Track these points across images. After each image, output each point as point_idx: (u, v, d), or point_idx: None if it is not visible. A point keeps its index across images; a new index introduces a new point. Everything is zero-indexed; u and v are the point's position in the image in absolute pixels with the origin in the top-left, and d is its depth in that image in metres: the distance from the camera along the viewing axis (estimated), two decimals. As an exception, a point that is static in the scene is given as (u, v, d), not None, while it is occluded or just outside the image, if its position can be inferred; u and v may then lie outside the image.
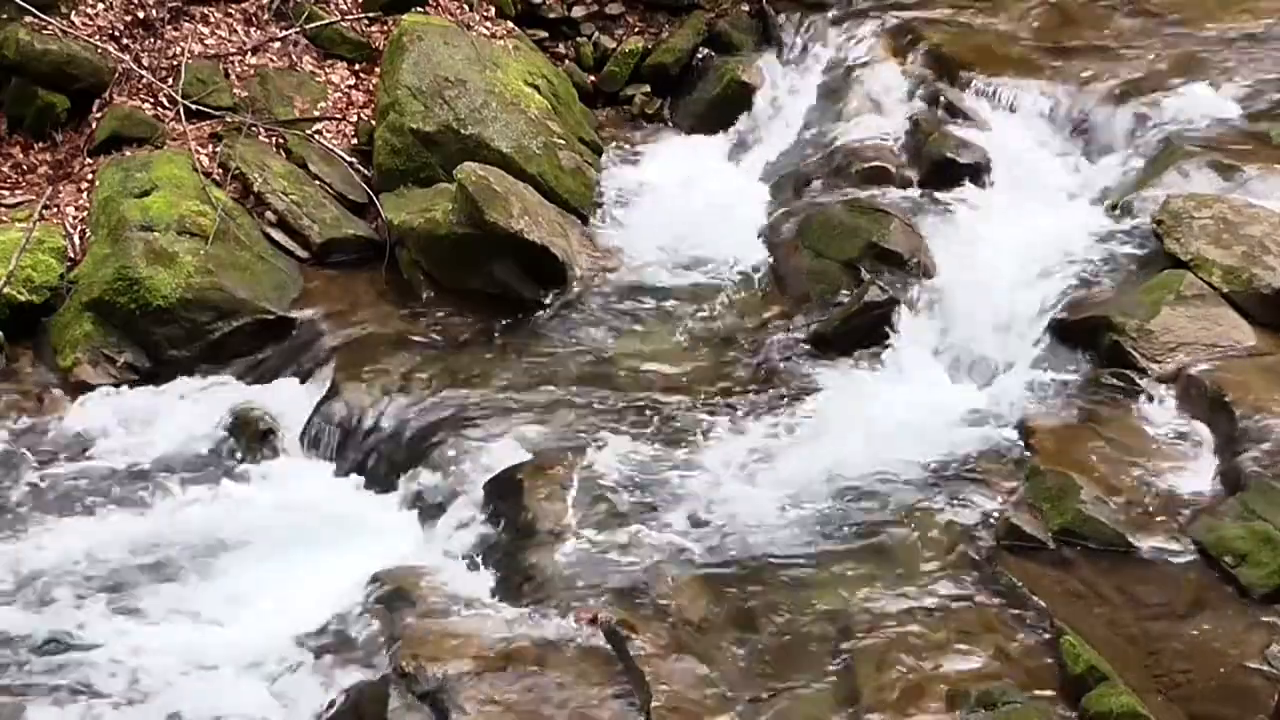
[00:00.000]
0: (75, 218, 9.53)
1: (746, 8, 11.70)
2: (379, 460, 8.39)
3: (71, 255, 9.32)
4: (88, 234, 9.38)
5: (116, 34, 10.29)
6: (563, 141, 10.30)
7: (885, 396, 8.52)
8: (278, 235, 9.57)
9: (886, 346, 8.88)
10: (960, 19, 11.15)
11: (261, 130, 10.11)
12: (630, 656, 6.71)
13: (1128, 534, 7.24)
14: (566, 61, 11.50)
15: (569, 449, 8.10)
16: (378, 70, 10.61)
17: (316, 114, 10.38)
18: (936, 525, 7.45)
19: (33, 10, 9.90)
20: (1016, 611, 6.88)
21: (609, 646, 6.82)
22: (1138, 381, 8.15)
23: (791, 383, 8.73)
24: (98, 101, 10.05)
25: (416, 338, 9.12)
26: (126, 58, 10.12)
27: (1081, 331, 8.54)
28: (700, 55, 11.55)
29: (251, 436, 8.54)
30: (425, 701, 6.53)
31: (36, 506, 8.03)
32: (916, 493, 7.71)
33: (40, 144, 9.97)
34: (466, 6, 11.16)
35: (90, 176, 9.72)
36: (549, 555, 7.41)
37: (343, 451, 8.50)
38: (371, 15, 10.97)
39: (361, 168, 10.07)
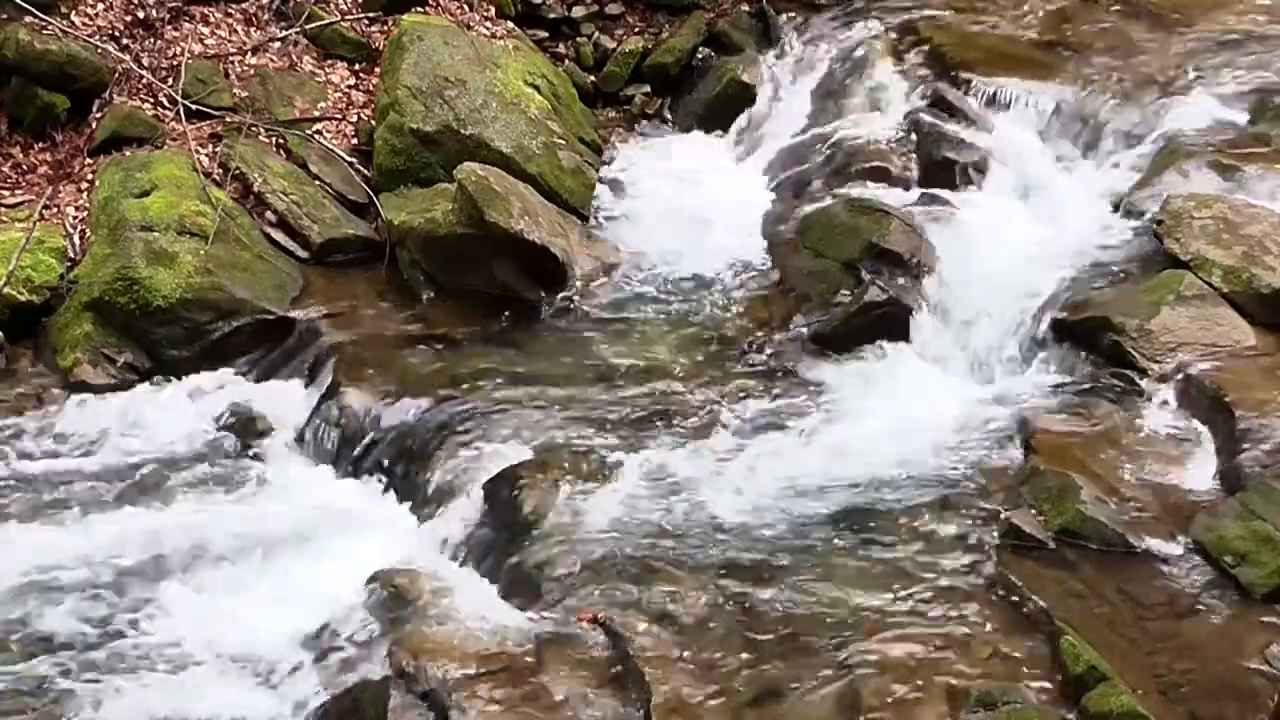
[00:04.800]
0: (75, 218, 9.52)
1: (746, 8, 11.71)
2: (379, 460, 8.38)
3: (71, 255, 9.31)
4: (88, 234, 9.37)
5: (116, 34, 10.29)
6: (563, 141, 10.30)
7: (885, 397, 8.51)
8: (278, 235, 9.56)
9: (886, 346, 8.89)
10: (960, 19, 11.16)
11: (261, 130, 10.10)
12: (630, 656, 6.70)
13: (1128, 534, 7.24)
14: (566, 61, 11.51)
15: (569, 449, 8.10)
16: (378, 70, 10.61)
17: (316, 114, 10.38)
18: (937, 525, 7.45)
19: (33, 10, 9.90)
20: (1016, 611, 6.87)
21: (609, 646, 6.82)
22: (1138, 381, 8.16)
23: (791, 383, 8.73)
24: (98, 101, 10.05)
25: (416, 338, 9.11)
26: (126, 58, 10.11)
27: (1081, 331, 8.55)
28: (700, 55, 11.56)
29: (251, 436, 8.54)
30: (425, 701, 6.53)
31: (36, 507, 8.01)
32: (916, 493, 7.71)
33: (40, 144, 9.96)
34: (466, 6, 11.16)
35: (90, 176, 9.72)
36: (548, 555, 7.40)
37: (342, 451, 8.49)
38: (371, 15, 10.97)
39: (361, 168, 10.06)
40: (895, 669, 6.56)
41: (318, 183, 9.92)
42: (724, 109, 11.19)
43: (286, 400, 8.75)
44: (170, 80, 10.12)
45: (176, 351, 8.94)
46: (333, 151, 10.12)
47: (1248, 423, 7.68)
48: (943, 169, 9.87)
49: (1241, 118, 9.83)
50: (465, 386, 8.67)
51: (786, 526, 7.55)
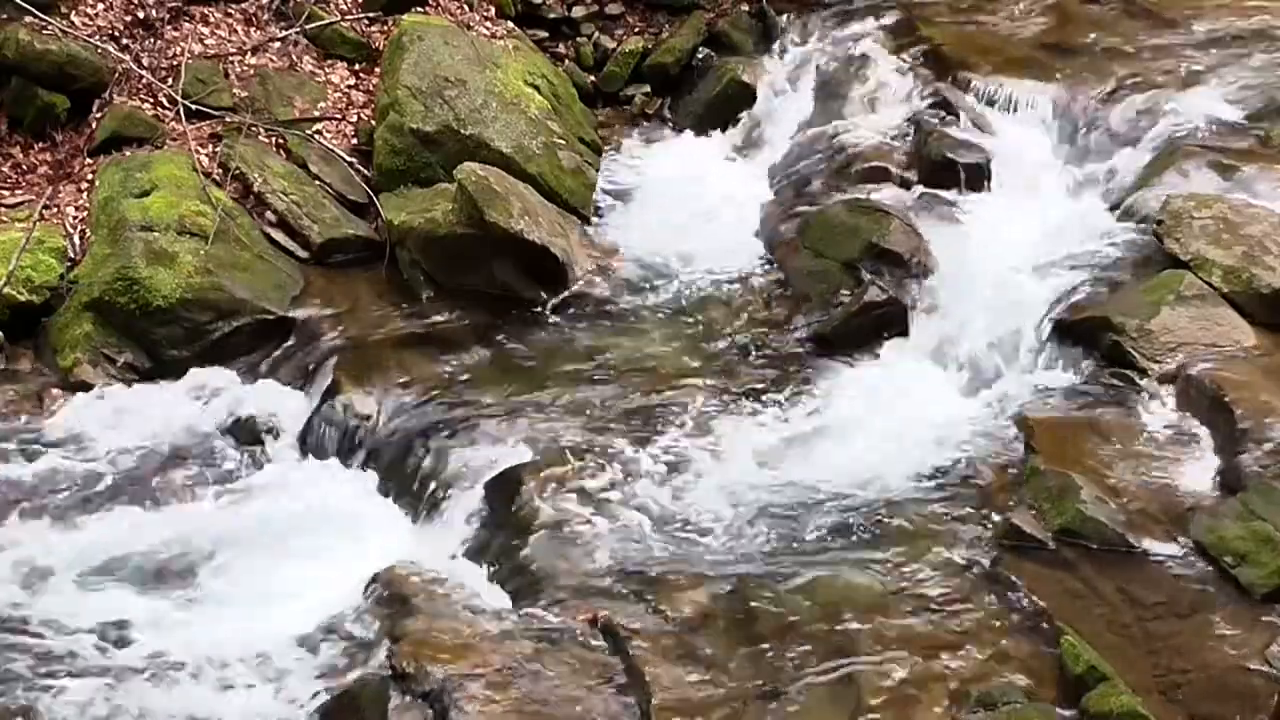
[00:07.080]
0: (75, 218, 9.52)
1: (746, 8, 11.71)
2: (379, 460, 8.39)
3: (71, 255, 9.31)
4: (88, 234, 9.37)
5: (116, 34, 10.29)
6: (563, 141, 10.30)
7: (885, 396, 8.52)
8: (278, 235, 9.56)
9: (886, 346, 8.89)
10: (960, 19, 11.16)
11: (261, 130, 10.10)
12: (630, 656, 6.71)
13: (1128, 534, 7.24)
14: (566, 61, 11.51)
15: (569, 449, 8.10)
16: (378, 70, 10.62)
17: (316, 114, 10.38)
18: (937, 525, 7.46)
19: (33, 10, 9.90)
20: (1016, 611, 6.88)
21: (609, 646, 6.82)
22: (1138, 381, 8.16)
23: (792, 383, 8.73)
24: (98, 101, 10.05)
25: (416, 338, 9.11)
26: (126, 58, 10.11)
27: (1081, 331, 8.55)
28: (700, 55, 11.56)
29: (251, 436, 8.54)
30: (425, 701, 6.53)
31: (35, 506, 8.01)
32: (917, 493, 7.72)
33: (40, 144, 9.96)
34: (466, 6, 11.16)
35: (90, 176, 9.72)
36: (549, 555, 7.41)
37: (343, 451, 8.49)
38: (371, 15, 10.97)
39: (361, 168, 10.06)
40: (895, 669, 6.56)
41: (318, 183, 9.92)
42: (724, 109, 11.19)
43: (286, 400, 8.75)
44: (170, 80, 10.12)
45: (176, 351, 8.94)
46: (333, 151, 10.12)
47: (1248, 423, 7.67)
48: (943, 169, 9.86)
49: (1241, 118, 9.82)
50: (465, 386, 8.68)
51: (787, 526, 7.55)
